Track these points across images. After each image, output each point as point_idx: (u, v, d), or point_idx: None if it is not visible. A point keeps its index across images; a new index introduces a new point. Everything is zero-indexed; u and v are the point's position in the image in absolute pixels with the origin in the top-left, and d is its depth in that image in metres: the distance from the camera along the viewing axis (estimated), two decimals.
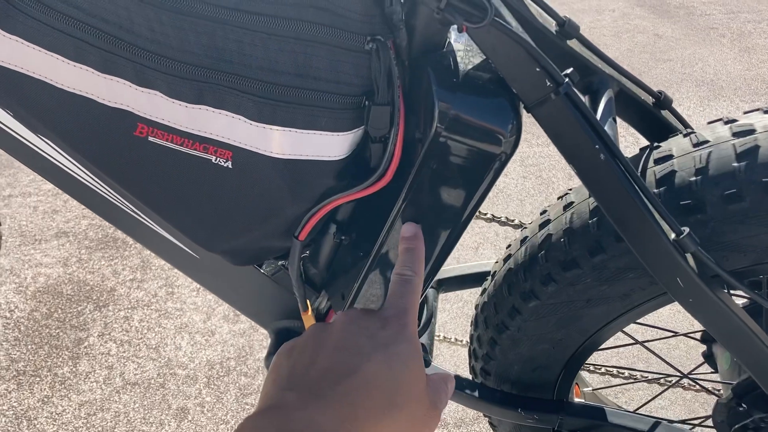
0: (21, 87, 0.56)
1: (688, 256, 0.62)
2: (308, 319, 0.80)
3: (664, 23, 3.01)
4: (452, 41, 0.61)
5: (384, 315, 0.50)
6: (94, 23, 0.53)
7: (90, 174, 0.71)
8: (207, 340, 1.44)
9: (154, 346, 1.42)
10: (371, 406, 0.43)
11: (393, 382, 0.45)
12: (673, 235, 0.61)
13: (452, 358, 1.47)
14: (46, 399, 1.31)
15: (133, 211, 0.75)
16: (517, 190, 1.96)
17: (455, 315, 1.57)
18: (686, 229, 0.60)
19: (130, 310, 1.48)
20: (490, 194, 1.90)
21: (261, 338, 1.42)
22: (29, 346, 1.40)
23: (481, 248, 1.74)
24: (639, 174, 0.67)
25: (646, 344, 0.91)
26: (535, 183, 1.99)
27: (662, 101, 0.73)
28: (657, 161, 0.67)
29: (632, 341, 0.87)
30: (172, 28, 0.53)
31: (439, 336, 1.13)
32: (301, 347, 0.49)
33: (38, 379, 1.34)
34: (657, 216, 0.60)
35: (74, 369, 1.36)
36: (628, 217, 0.61)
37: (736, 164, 0.62)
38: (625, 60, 2.68)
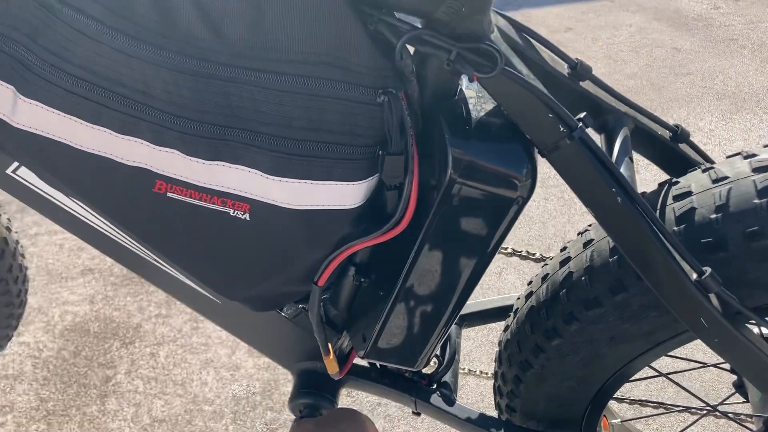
0: (41, 149, 0.58)
1: (711, 296, 0.61)
2: (330, 362, 0.80)
3: (683, 36, 2.99)
4: (464, 88, 0.61)
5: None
6: (111, 87, 0.54)
7: (113, 227, 0.72)
8: (232, 375, 1.45)
9: (180, 382, 1.43)
10: None
11: None
12: (695, 276, 0.60)
13: (478, 387, 1.46)
14: None
15: (155, 260, 0.76)
16: (539, 212, 1.94)
17: (480, 343, 1.56)
18: (708, 270, 0.59)
19: (156, 346, 1.50)
20: None
21: (286, 372, 1.42)
22: (58, 386, 1.41)
23: (504, 273, 1.73)
24: (658, 211, 0.66)
25: (671, 376, 0.89)
26: (557, 204, 1.98)
27: (679, 135, 0.72)
28: (676, 198, 0.66)
29: (656, 374, 0.85)
30: (187, 89, 0.54)
31: (464, 369, 1.12)
32: None
33: (67, 418, 1.35)
34: (678, 257, 0.59)
35: (102, 407, 1.37)
36: (648, 259, 0.60)
37: (757, 201, 0.61)
38: (644, 75, 2.67)
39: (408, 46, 0.55)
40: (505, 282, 1.71)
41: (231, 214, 0.61)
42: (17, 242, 1.09)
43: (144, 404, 1.39)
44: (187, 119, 0.56)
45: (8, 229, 1.06)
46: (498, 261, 1.76)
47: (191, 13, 0.52)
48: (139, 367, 1.46)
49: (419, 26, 0.54)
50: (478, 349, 1.54)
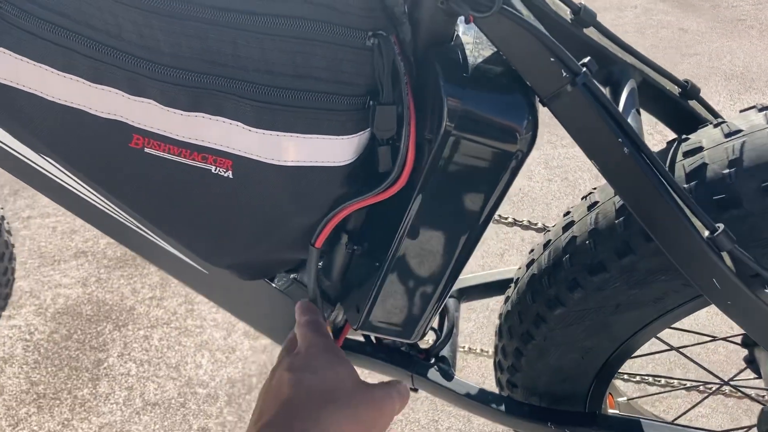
0: (12, 101, 0.54)
1: (724, 255, 0.57)
2: None
3: (689, 17, 2.93)
4: (460, 34, 0.58)
5: (299, 349, 0.60)
6: (81, 30, 0.50)
7: (91, 190, 0.69)
8: (228, 358, 1.42)
9: (174, 365, 1.40)
10: (307, 411, 0.52)
11: (321, 389, 0.54)
12: (707, 233, 0.56)
13: (479, 369, 1.43)
14: (66, 422, 1.29)
15: (138, 227, 0.72)
16: (543, 193, 1.90)
17: (481, 324, 1.52)
18: (721, 226, 0.55)
19: (149, 329, 1.46)
20: (515, 198, 1.85)
21: None
22: (49, 369, 1.38)
23: (506, 254, 1.69)
24: (667, 168, 0.62)
25: (682, 350, 0.86)
26: (560, 185, 1.94)
27: (689, 90, 0.68)
28: (686, 154, 0.62)
29: (667, 348, 0.82)
30: (162, 32, 0.50)
31: (464, 347, 1.08)
32: (258, 408, 0.58)
33: (58, 402, 1.32)
34: (689, 213, 0.56)
35: (94, 391, 1.34)
36: (658, 215, 0.56)
37: None
38: (650, 56, 2.59)
39: None
40: (507, 263, 1.67)
41: (213, 171, 0.58)
42: (2, 218, 1.06)
43: (136, 387, 1.35)
44: (163, 66, 0.52)
45: None
46: (500, 242, 1.72)
47: None
48: (132, 350, 1.43)
49: None
50: (480, 331, 1.51)
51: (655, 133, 2.01)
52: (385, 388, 0.57)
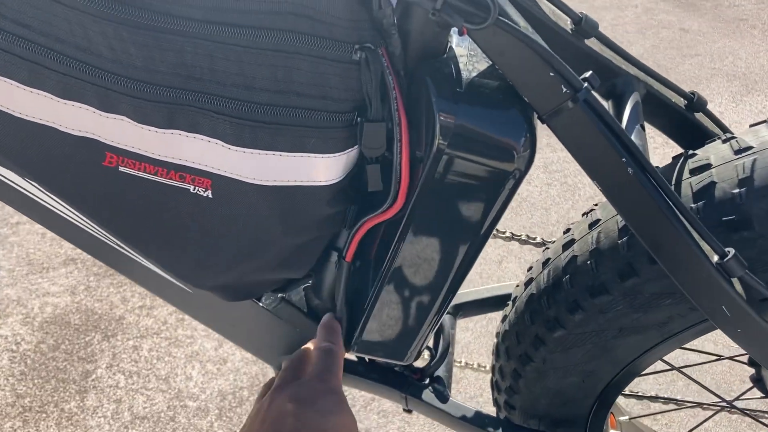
0: None
1: (735, 281, 0.54)
2: None
3: (690, 17, 2.90)
4: (454, 46, 0.54)
5: (306, 379, 0.57)
6: (47, 43, 0.47)
7: (68, 208, 0.65)
8: (219, 369, 1.38)
9: (163, 377, 1.36)
10: None
11: (326, 430, 0.51)
12: (716, 258, 0.53)
13: (477, 381, 1.40)
14: None
15: (117, 245, 0.69)
16: (542, 198, 1.87)
17: (479, 334, 1.49)
18: (731, 251, 0.52)
19: (139, 339, 1.43)
20: (513, 203, 1.82)
21: None
22: (35, 381, 1.34)
23: (504, 262, 1.66)
24: (673, 188, 0.59)
25: (685, 370, 0.82)
26: (560, 190, 1.90)
27: (695, 103, 0.65)
28: (693, 171, 0.59)
29: (669, 368, 0.78)
30: (134, 45, 0.47)
31: (460, 362, 1.05)
32: (247, 427, 0.56)
33: (44, 415, 1.29)
34: (696, 236, 0.52)
35: (81, 404, 1.31)
36: (663, 238, 0.53)
37: None
38: (650, 57, 2.58)
39: None
40: (505, 271, 1.64)
41: (191, 191, 0.54)
42: None
43: (125, 400, 1.32)
44: (136, 80, 0.49)
45: None
46: (498, 248, 1.69)
47: None
48: (120, 361, 1.39)
49: None
50: (477, 341, 1.47)
51: (666, 146, 1.98)
52: None
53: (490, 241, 1.45)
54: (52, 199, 0.65)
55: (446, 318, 0.90)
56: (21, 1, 0.46)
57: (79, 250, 1.61)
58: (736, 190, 0.55)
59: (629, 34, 2.74)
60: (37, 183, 0.60)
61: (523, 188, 1.90)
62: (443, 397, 0.81)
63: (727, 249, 0.53)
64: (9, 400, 1.31)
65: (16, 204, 0.67)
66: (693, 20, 2.88)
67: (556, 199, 1.87)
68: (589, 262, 0.64)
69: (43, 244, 1.63)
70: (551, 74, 0.48)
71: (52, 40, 0.47)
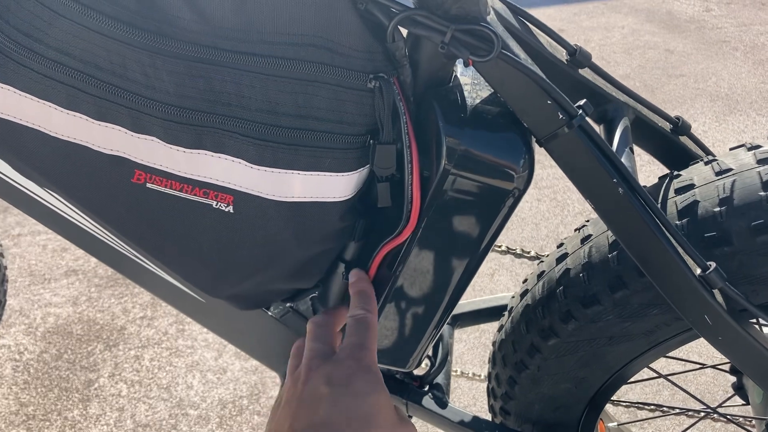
0: (15, 136, 0.55)
1: (716, 292, 0.58)
2: None
3: (675, 38, 2.98)
4: (459, 75, 0.59)
5: (340, 356, 0.55)
6: (86, 70, 0.51)
7: (90, 220, 0.69)
8: (219, 378, 1.41)
9: (165, 386, 1.39)
10: None
11: (360, 415, 0.50)
12: (699, 271, 0.57)
13: (471, 390, 1.43)
14: None
15: (136, 257, 0.73)
16: (532, 213, 1.92)
17: (472, 345, 1.53)
18: (712, 264, 0.57)
19: (140, 349, 1.46)
20: None
21: (274, 375, 1.39)
22: (39, 389, 1.37)
23: (496, 275, 1.70)
24: (659, 205, 0.64)
25: (671, 377, 0.87)
26: (549, 206, 1.96)
27: (680, 127, 0.70)
28: (678, 191, 0.64)
29: (656, 375, 0.83)
30: (167, 72, 0.51)
31: (456, 371, 1.09)
32: (277, 407, 0.55)
33: (48, 423, 1.31)
34: (681, 251, 0.57)
35: (84, 412, 1.33)
36: (650, 253, 0.58)
37: (762, 193, 0.59)
38: (637, 77, 2.65)
39: (401, 28, 0.52)
40: (497, 284, 1.68)
41: (214, 206, 0.58)
42: None
43: (127, 408, 1.35)
44: (167, 104, 0.52)
45: None
46: (490, 262, 1.73)
47: None
48: (122, 370, 1.42)
49: (412, 6, 0.52)
50: (471, 352, 1.51)
51: (652, 163, 2.04)
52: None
53: None
54: (76, 212, 0.68)
55: (445, 328, 0.94)
56: (64, 32, 0.49)
57: (80, 262, 1.64)
58: (717, 209, 0.60)
59: (616, 54, 2.81)
60: (67, 197, 0.63)
61: None
62: (442, 403, 0.85)
63: (708, 262, 0.57)
64: (13, 409, 1.33)
65: (38, 216, 0.70)
66: (678, 42, 2.95)
67: (545, 215, 1.92)
68: (581, 275, 0.69)
69: (45, 255, 1.66)
70: (549, 102, 0.53)
71: (91, 66, 0.51)
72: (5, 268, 1.09)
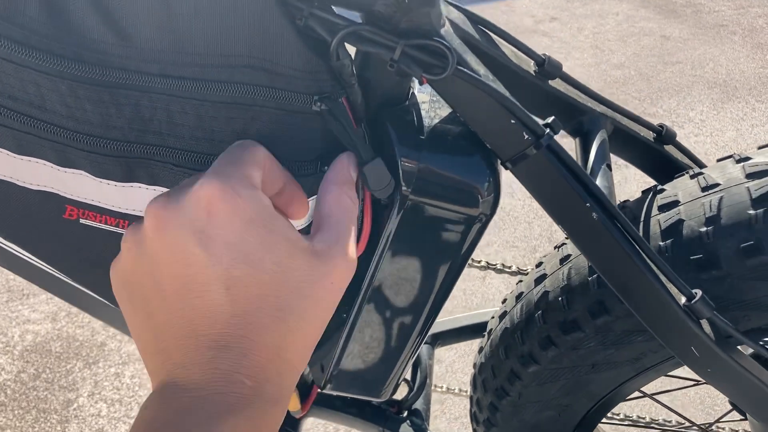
0: None
1: (703, 322, 0.53)
2: (291, 398, 0.73)
3: (671, 24, 2.91)
4: (416, 92, 0.54)
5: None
6: (1, 101, 0.46)
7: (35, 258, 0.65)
8: None
9: None
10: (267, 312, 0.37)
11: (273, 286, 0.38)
12: (683, 300, 0.52)
13: (462, 401, 1.39)
14: None
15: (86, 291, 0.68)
16: (525, 211, 1.87)
17: (462, 353, 1.48)
18: (698, 293, 0.52)
19: (120, 366, 1.42)
20: (496, 218, 1.82)
21: None
22: (16, 411, 1.33)
23: (488, 278, 1.65)
24: (642, 224, 0.59)
25: (656, 397, 0.82)
26: None
27: (664, 136, 0.65)
28: (662, 208, 0.59)
29: (641, 395, 0.78)
30: (89, 101, 0.46)
31: (441, 388, 1.05)
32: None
33: None
34: (663, 279, 0.52)
35: None
36: (630, 281, 0.53)
37: (752, 211, 0.54)
38: (632, 65, 2.59)
39: (348, 46, 0.47)
40: (489, 287, 1.63)
41: None
42: None
43: (107, 429, 1.31)
44: (92, 136, 0.48)
45: None
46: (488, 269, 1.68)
47: (89, 13, 0.44)
48: (102, 389, 1.38)
49: (357, 21, 0.47)
50: (461, 360, 1.47)
51: None
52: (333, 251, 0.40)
53: (474, 255, 1.44)
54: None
55: (424, 348, 0.90)
56: None
57: None
58: (704, 229, 0.55)
59: (610, 42, 2.75)
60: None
61: (507, 202, 1.90)
62: (421, 430, 0.81)
63: (694, 291, 0.52)
64: None
65: None
66: (674, 27, 2.89)
67: (538, 212, 1.87)
68: (560, 299, 0.64)
69: None
70: (512, 122, 0.48)
71: (5, 97, 0.46)
72: None
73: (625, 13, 3.00)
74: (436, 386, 1.03)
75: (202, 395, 0.34)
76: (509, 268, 0.90)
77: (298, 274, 0.38)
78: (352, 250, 0.41)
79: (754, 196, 0.54)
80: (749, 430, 0.86)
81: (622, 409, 1.24)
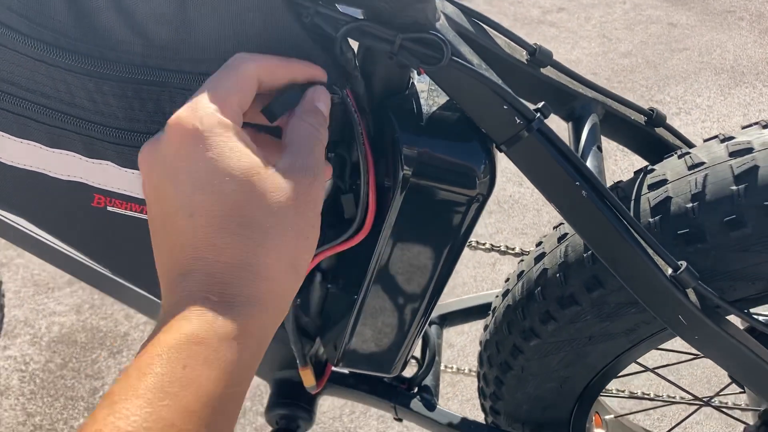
0: None
1: (689, 291, 0.57)
2: (306, 374, 0.77)
3: (678, 11, 2.92)
4: (415, 82, 0.58)
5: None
6: (34, 98, 0.50)
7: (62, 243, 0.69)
8: None
9: None
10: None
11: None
12: (670, 271, 0.56)
13: (473, 383, 1.43)
14: None
15: (113, 276, 0.73)
16: (533, 199, 1.90)
17: (473, 338, 1.52)
18: (683, 264, 0.55)
19: None
20: (505, 206, 1.85)
21: None
22: (45, 399, 1.39)
23: (498, 264, 1.69)
24: (633, 202, 0.62)
25: (664, 369, 0.86)
26: None
27: (654, 119, 0.68)
28: (651, 187, 0.62)
29: (643, 369, 0.82)
30: (114, 97, 0.50)
31: (452, 368, 1.09)
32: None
33: None
34: (651, 252, 0.56)
35: None
36: (620, 255, 0.56)
37: (734, 187, 0.57)
38: (639, 53, 2.61)
39: (351, 40, 0.51)
40: (499, 273, 1.67)
41: None
42: None
43: None
44: (118, 129, 0.52)
45: None
46: (492, 252, 1.71)
47: (112, 15, 0.48)
48: None
49: (359, 17, 0.50)
50: (472, 344, 1.51)
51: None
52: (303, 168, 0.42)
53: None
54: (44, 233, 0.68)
55: (433, 328, 0.94)
56: (8, 62, 0.49)
57: None
58: (690, 205, 0.59)
59: (618, 30, 2.76)
60: (32, 222, 0.64)
61: (515, 190, 1.93)
62: (431, 406, 0.85)
63: (679, 262, 0.56)
64: (20, 419, 1.35)
65: (15, 240, 0.70)
66: (681, 14, 2.90)
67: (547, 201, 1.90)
68: (558, 275, 0.67)
69: (47, 265, 1.66)
70: (505, 107, 0.52)
71: (38, 95, 0.50)
72: (0, 282, 1.10)
73: (633, 1, 3.01)
74: (446, 367, 1.07)
75: (173, 319, 0.36)
76: (513, 249, 0.94)
77: (260, 192, 0.39)
78: (314, 166, 0.43)
79: (736, 173, 0.57)
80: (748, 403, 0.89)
81: (628, 386, 1.27)
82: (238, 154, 0.40)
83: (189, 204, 0.39)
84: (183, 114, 0.41)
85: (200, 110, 0.40)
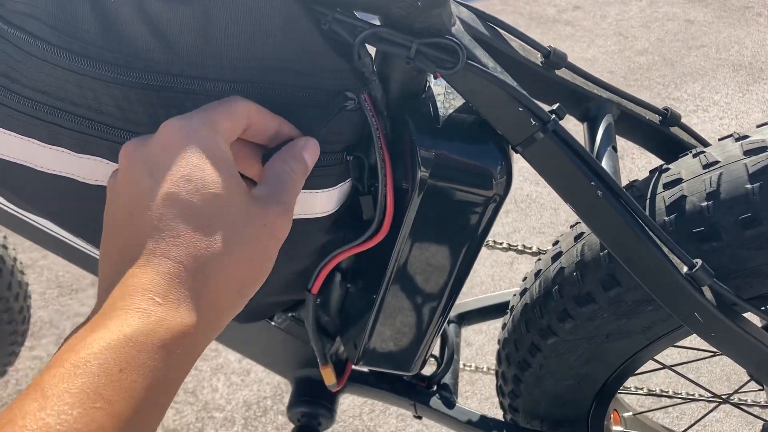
0: (6, 173, 0.56)
1: (705, 289, 0.57)
2: (327, 373, 0.78)
3: (695, 7, 2.90)
4: (432, 85, 0.59)
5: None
6: (63, 106, 0.52)
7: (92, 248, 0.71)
8: (243, 380, 1.44)
9: (191, 390, 1.43)
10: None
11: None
12: (685, 269, 0.57)
13: (492, 382, 1.43)
14: None
15: None
16: (551, 198, 1.90)
17: (492, 336, 1.53)
18: (699, 262, 0.56)
19: None
20: (522, 205, 1.86)
21: None
22: None
23: (516, 263, 1.69)
24: (648, 201, 0.63)
25: (676, 368, 0.86)
26: None
27: (669, 118, 0.69)
28: (666, 186, 0.63)
29: (660, 367, 0.82)
30: (140, 104, 0.52)
31: (470, 366, 1.09)
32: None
33: None
34: (666, 250, 0.56)
35: None
36: (635, 254, 0.57)
37: (749, 186, 0.57)
38: (655, 51, 2.59)
39: (368, 46, 0.53)
40: (516, 272, 1.67)
41: None
42: (15, 259, 1.08)
43: None
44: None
45: (4, 246, 1.06)
46: (509, 251, 1.72)
47: (137, 24, 0.50)
48: None
49: (376, 23, 0.52)
50: (490, 343, 1.51)
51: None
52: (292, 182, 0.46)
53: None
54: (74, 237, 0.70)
55: (451, 327, 0.95)
56: (37, 71, 0.51)
57: None
58: (705, 203, 0.59)
59: (634, 28, 2.75)
60: (60, 226, 0.65)
61: (532, 189, 1.93)
62: (450, 403, 0.86)
63: (695, 260, 0.56)
64: None
65: (41, 241, 0.72)
66: (698, 11, 2.88)
67: None
68: (575, 274, 0.68)
69: (71, 266, 1.70)
70: (520, 109, 0.53)
71: (67, 103, 0.52)
72: (27, 284, 1.13)
73: None
74: (465, 365, 1.08)
75: (115, 313, 0.36)
76: (530, 248, 0.94)
77: (232, 210, 0.41)
78: (286, 202, 0.45)
79: (750, 172, 0.58)
80: None
81: (647, 383, 1.27)
82: (222, 166, 0.41)
83: (163, 200, 0.39)
84: (178, 119, 0.43)
85: (195, 120, 0.43)
